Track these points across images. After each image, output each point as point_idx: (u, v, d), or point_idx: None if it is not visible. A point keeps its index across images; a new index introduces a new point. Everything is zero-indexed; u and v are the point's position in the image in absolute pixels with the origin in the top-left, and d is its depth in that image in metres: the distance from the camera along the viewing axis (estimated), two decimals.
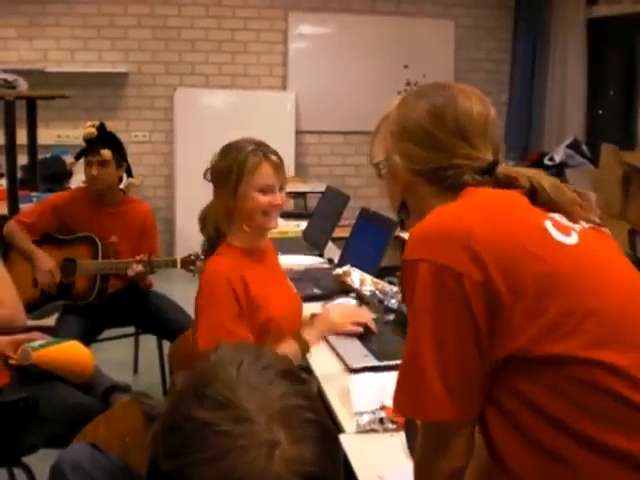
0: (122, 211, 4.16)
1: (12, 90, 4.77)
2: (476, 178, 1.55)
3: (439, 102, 1.60)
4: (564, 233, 1.46)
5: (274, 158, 2.61)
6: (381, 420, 2.18)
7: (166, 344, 3.96)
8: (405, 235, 4.51)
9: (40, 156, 5.83)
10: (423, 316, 1.41)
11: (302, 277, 3.74)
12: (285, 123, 7.89)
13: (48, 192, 5.38)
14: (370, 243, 3.77)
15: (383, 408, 2.20)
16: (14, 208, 4.58)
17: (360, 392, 2.32)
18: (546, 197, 1.52)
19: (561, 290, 1.37)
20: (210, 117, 7.70)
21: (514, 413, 1.40)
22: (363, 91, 7.96)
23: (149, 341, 4.55)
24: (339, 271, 3.55)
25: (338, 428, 2.19)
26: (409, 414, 1.62)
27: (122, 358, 4.81)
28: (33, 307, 3.90)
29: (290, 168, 6.94)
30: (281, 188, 2.65)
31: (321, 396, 2.40)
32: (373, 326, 2.92)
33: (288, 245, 4.34)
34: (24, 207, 4.62)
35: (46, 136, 6.84)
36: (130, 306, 4.18)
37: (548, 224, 1.46)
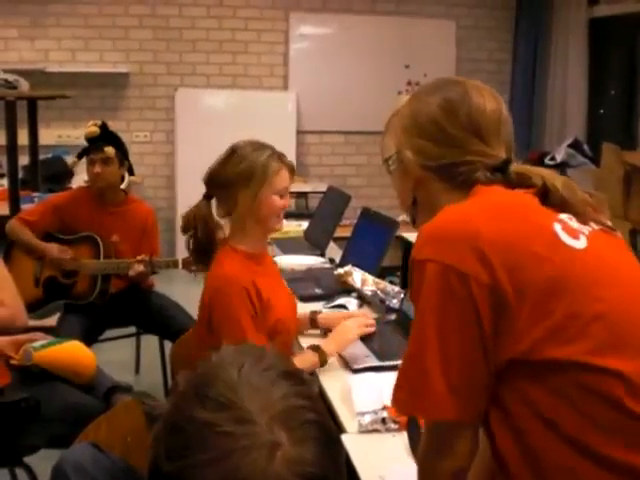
0: (123, 211, 4.16)
1: (13, 90, 4.77)
2: (488, 176, 1.54)
3: (452, 97, 1.59)
4: (573, 237, 1.45)
5: (289, 162, 2.66)
6: (383, 420, 2.18)
7: (168, 344, 3.96)
8: (407, 235, 4.53)
9: (41, 156, 5.83)
10: (428, 315, 1.40)
11: (303, 277, 3.74)
12: (286, 123, 7.89)
13: (49, 192, 5.39)
14: (371, 243, 3.77)
15: (385, 408, 2.20)
16: (15, 208, 4.58)
17: (362, 392, 2.32)
18: (558, 197, 1.51)
19: (568, 294, 1.37)
20: (211, 117, 7.71)
21: (516, 416, 1.39)
22: (364, 91, 7.97)
23: (151, 341, 4.55)
24: (340, 271, 3.55)
25: (340, 428, 2.19)
26: (410, 412, 1.61)
27: (123, 358, 4.81)
28: (34, 307, 3.90)
29: None
30: None
31: (323, 396, 2.40)
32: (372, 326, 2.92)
33: (290, 245, 4.35)
34: (25, 207, 4.62)
35: (47, 136, 6.84)
36: (132, 306, 4.18)
37: (557, 227, 1.45)
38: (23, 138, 5.04)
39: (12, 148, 4.61)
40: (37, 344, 2.91)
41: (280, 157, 2.62)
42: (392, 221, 3.67)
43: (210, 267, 2.61)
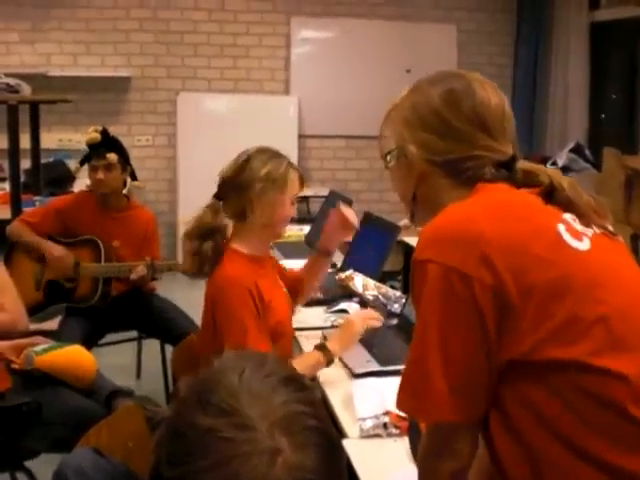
0: (125, 217, 4.17)
1: (15, 94, 4.77)
2: (494, 172, 1.52)
3: (455, 87, 1.56)
4: (577, 238, 1.44)
5: (300, 171, 2.73)
6: (385, 425, 2.18)
7: (169, 348, 3.96)
8: (409, 239, 4.53)
9: (43, 160, 5.84)
10: (430, 317, 1.40)
11: None
12: (288, 127, 7.89)
13: (51, 196, 5.38)
14: (373, 247, 3.77)
15: (387, 413, 2.20)
16: (17, 212, 4.59)
17: (363, 397, 2.32)
18: (564, 197, 1.50)
19: (570, 296, 1.36)
20: (212, 121, 7.72)
21: (516, 418, 1.39)
22: (365, 95, 7.96)
23: (152, 346, 4.55)
24: (342, 275, 3.55)
25: (341, 433, 2.18)
26: (412, 413, 1.60)
27: (125, 363, 4.80)
28: (35, 310, 3.90)
29: None
30: None
31: (324, 401, 2.40)
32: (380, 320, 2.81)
33: (291, 249, 4.34)
34: (27, 211, 4.62)
35: (49, 140, 6.84)
36: (133, 310, 4.18)
37: (561, 228, 1.44)
38: (25, 142, 5.04)
39: (14, 152, 4.61)
40: (38, 348, 2.91)
41: (294, 166, 2.68)
42: (394, 226, 3.67)
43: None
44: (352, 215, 2.87)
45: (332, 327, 3.19)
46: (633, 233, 5.64)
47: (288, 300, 2.85)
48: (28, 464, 2.81)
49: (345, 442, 2.09)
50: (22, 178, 5.00)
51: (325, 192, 5.78)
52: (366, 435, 2.17)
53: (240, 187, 2.60)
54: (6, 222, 4.26)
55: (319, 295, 3.52)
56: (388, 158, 1.67)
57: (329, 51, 8.16)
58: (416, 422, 1.96)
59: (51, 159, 6.76)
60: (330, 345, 2.58)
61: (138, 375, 4.89)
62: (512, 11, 8.52)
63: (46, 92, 6.53)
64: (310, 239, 4.57)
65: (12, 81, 4.82)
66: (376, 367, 2.64)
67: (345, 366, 2.69)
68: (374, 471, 1.97)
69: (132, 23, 7.74)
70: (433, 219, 1.47)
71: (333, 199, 4.82)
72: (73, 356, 3.01)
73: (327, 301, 3.44)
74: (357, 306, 3.39)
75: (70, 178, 6.46)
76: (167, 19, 7.82)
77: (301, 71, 8.16)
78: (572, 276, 1.38)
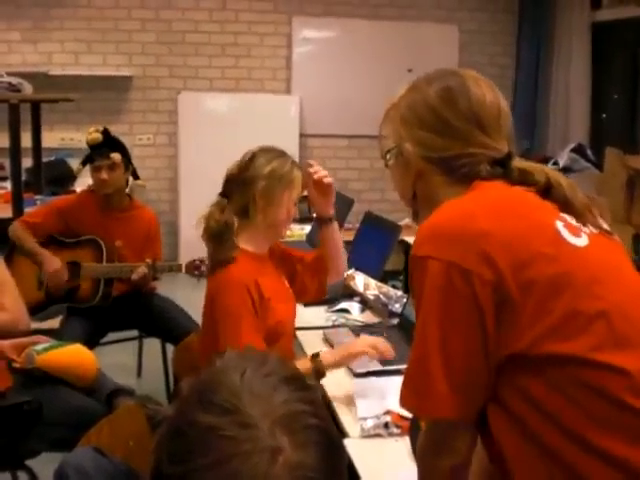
0: (128, 216, 4.16)
1: (17, 93, 4.77)
2: (489, 170, 1.52)
3: (451, 85, 1.57)
4: (575, 234, 1.45)
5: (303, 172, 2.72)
6: (386, 425, 2.18)
7: (170, 348, 3.96)
8: (410, 239, 4.52)
9: (44, 159, 5.84)
10: (431, 314, 1.40)
11: None
12: (289, 127, 7.89)
13: (52, 195, 5.39)
14: (374, 247, 3.77)
15: (387, 413, 2.20)
16: (19, 211, 4.58)
17: (364, 397, 2.32)
18: (561, 194, 1.50)
19: (569, 291, 1.37)
20: (214, 120, 7.71)
21: (517, 411, 1.39)
22: (367, 95, 7.96)
23: (153, 345, 4.55)
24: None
25: (342, 433, 2.19)
26: (413, 410, 1.61)
27: (126, 362, 4.81)
28: (37, 309, 3.90)
29: None
30: None
31: (325, 401, 2.40)
32: (390, 354, 2.60)
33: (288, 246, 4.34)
34: (28, 210, 4.62)
35: (50, 139, 6.84)
36: (134, 309, 4.18)
37: (559, 225, 1.44)
38: (26, 141, 5.04)
39: (16, 151, 4.61)
40: (39, 347, 2.91)
41: (299, 166, 2.69)
42: (395, 225, 3.67)
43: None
44: (321, 172, 2.83)
45: (333, 326, 3.19)
46: (635, 233, 5.64)
47: (291, 299, 2.84)
48: (29, 463, 2.81)
49: (346, 442, 2.09)
50: (23, 177, 5.00)
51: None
52: (367, 435, 2.17)
53: (244, 184, 2.60)
54: (7, 221, 4.26)
55: None
56: (387, 157, 1.68)
57: (330, 51, 8.15)
58: (417, 422, 1.97)
59: (52, 158, 6.76)
60: (323, 355, 2.54)
61: (139, 374, 4.89)
62: (514, 11, 8.51)
63: (48, 91, 6.53)
64: (311, 238, 4.58)
65: (14, 80, 4.82)
66: (377, 367, 2.64)
67: (346, 366, 2.68)
68: (375, 471, 1.97)
69: (134, 23, 7.74)
70: (431, 216, 1.48)
71: (334, 199, 4.82)
72: (74, 355, 3.01)
73: (328, 300, 3.43)
74: (358, 306, 3.40)
75: (71, 177, 6.45)
76: (169, 19, 7.82)
77: (302, 71, 8.16)
78: (571, 272, 1.39)
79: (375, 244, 3.78)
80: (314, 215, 2.91)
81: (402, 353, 2.52)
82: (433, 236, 1.44)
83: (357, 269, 3.56)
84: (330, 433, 1.01)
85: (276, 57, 8.16)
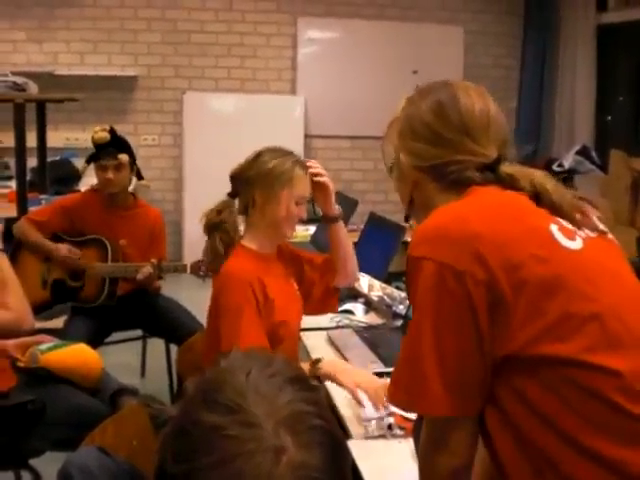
0: (132, 214, 4.17)
1: (22, 93, 4.77)
2: (478, 175, 1.56)
3: (442, 99, 1.63)
4: (569, 237, 1.46)
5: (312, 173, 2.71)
6: (389, 426, 2.18)
7: (174, 348, 3.97)
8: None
9: (49, 159, 5.84)
10: (424, 313, 1.42)
11: None
12: (294, 127, 7.90)
13: (57, 194, 5.39)
14: (378, 248, 3.77)
15: (391, 414, 2.20)
16: (23, 210, 4.59)
17: (368, 398, 2.31)
18: (548, 199, 1.52)
19: (562, 293, 1.38)
20: (219, 121, 7.72)
21: (512, 412, 1.40)
22: (372, 96, 7.97)
23: (156, 345, 4.55)
24: None
25: (346, 434, 2.18)
26: (407, 409, 1.64)
27: (129, 361, 4.81)
28: (41, 309, 3.91)
29: None
30: None
31: (329, 402, 2.40)
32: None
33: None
34: (33, 209, 4.62)
35: (55, 139, 6.86)
36: (138, 309, 4.18)
37: (554, 228, 1.46)
38: (31, 140, 5.05)
39: (20, 150, 4.61)
40: (43, 346, 2.91)
41: (304, 166, 2.68)
42: (399, 226, 3.67)
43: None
44: (315, 170, 2.82)
45: (337, 327, 3.19)
46: (639, 236, 5.63)
47: (298, 301, 2.83)
48: (33, 462, 2.81)
49: (350, 443, 2.08)
50: (28, 176, 5.00)
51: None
52: (371, 436, 2.17)
53: (246, 182, 2.62)
54: (12, 220, 4.27)
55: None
56: (392, 169, 1.76)
57: (335, 51, 8.16)
58: (421, 423, 1.97)
59: (57, 157, 6.77)
60: (323, 364, 2.51)
61: (143, 374, 4.90)
62: (519, 13, 8.51)
63: (53, 91, 6.54)
64: (316, 240, 4.58)
65: (19, 79, 4.82)
66: (381, 368, 2.64)
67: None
68: (379, 472, 1.97)
69: (140, 23, 7.75)
70: (427, 218, 1.52)
71: (339, 200, 4.82)
72: (78, 354, 3.01)
73: None
74: (362, 307, 3.39)
75: (76, 177, 6.48)
76: (175, 19, 7.83)
77: (307, 71, 8.16)
78: (564, 274, 1.41)
79: (379, 245, 3.78)
80: (320, 215, 2.90)
81: None
82: (428, 238, 1.47)
83: (361, 270, 3.55)
84: (334, 434, 1.02)
85: (281, 58, 8.17)
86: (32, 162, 5.34)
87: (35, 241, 4.02)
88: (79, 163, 6.32)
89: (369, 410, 2.24)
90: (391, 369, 2.54)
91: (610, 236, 1.59)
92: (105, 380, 3.06)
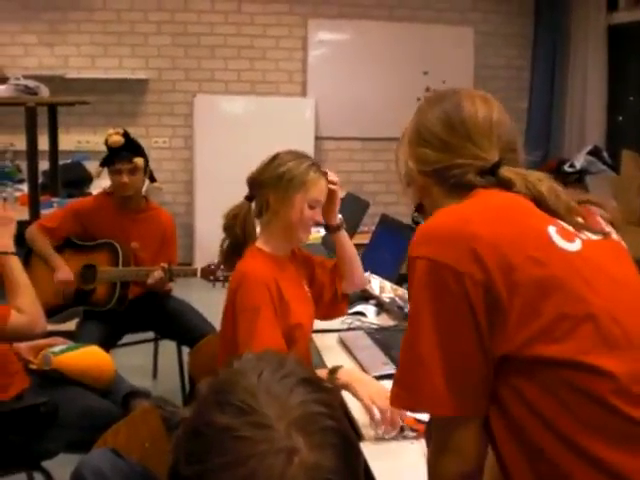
0: (144, 217, 4.18)
1: (33, 96, 4.79)
2: (479, 179, 1.58)
3: (447, 108, 1.66)
4: (568, 239, 1.47)
5: (327, 177, 2.70)
6: (401, 428, 2.18)
7: (185, 350, 3.97)
8: None
9: (61, 162, 5.86)
10: (423, 312, 1.43)
11: None
12: (304, 129, 7.89)
13: (69, 197, 5.42)
14: (390, 250, 3.77)
15: (403, 417, 2.20)
16: (35, 213, 4.61)
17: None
18: (543, 202, 1.53)
19: (558, 295, 1.38)
20: (229, 123, 7.73)
21: (513, 413, 1.41)
22: (382, 97, 7.96)
23: (168, 347, 4.56)
24: None
25: (358, 436, 2.18)
26: (409, 408, 1.66)
27: (141, 363, 4.82)
28: (54, 312, 3.92)
29: None
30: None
31: (342, 404, 2.39)
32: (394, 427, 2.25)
33: (308, 251, 4.34)
34: (45, 212, 4.64)
35: (67, 142, 6.87)
36: (150, 311, 4.19)
37: (552, 230, 1.47)
38: (43, 143, 5.06)
39: (32, 153, 4.63)
40: (56, 349, 2.93)
41: (319, 169, 2.67)
42: (410, 228, 3.66)
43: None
44: (333, 177, 2.82)
45: (349, 329, 3.19)
46: None
47: (310, 303, 2.83)
48: (46, 464, 2.82)
49: (362, 445, 2.09)
50: (40, 179, 5.02)
51: (342, 194, 5.78)
52: (383, 438, 2.17)
53: (261, 185, 2.64)
54: (25, 223, 4.28)
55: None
56: (404, 178, 1.78)
57: (346, 53, 8.15)
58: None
59: (69, 160, 6.79)
60: (341, 373, 2.42)
61: (154, 376, 4.91)
62: (529, 13, 8.49)
63: (64, 94, 6.57)
64: (327, 241, 4.57)
65: (31, 83, 4.84)
66: (393, 370, 2.63)
67: (362, 369, 2.68)
68: (391, 474, 1.97)
69: (150, 26, 7.77)
70: (429, 219, 1.54)
71: (350, 202, 4.83)
72: (91, 357, 3.02)
73: None
74: (374, 308, 3.39)
75: (88, 179, 6.50)
76: (184, 22, 7.85)
77: (318, 73, 8.16)
78: (560, 276, 1.41)
79: (390, 247, 3.78)
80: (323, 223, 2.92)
81: None
82: (428, 238, 1.48)
83: (373, 272, 3.56)
84: (347, 435, 1.02)
85: (291, 60, 8.16)
86: (44, 165, 5.36)
87: (40, 252, 4.02)
88: (90, 166, 6.33)
89: (384, 430, 2.21)
90: None
91: (616, 237, 1.60)
92: (117, 382, 3.07)
